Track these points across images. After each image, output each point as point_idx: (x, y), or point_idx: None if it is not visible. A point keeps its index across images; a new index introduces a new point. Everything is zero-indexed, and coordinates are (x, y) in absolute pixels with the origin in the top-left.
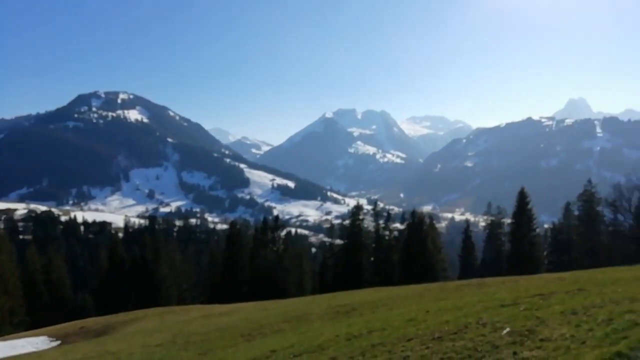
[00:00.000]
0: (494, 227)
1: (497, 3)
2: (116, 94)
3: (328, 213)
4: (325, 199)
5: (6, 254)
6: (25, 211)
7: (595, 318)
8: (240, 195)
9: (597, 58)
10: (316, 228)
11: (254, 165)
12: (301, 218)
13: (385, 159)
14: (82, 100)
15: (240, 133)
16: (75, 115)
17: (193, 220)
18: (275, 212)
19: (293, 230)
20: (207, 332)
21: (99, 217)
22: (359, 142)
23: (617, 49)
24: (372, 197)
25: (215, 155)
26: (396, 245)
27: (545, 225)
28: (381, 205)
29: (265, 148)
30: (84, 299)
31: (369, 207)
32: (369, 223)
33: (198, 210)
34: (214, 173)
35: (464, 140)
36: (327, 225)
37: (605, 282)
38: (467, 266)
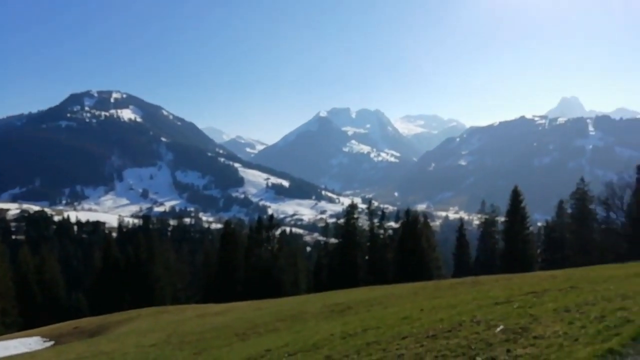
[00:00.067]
0: (487, 225)
1: (491, 3)
2: (109, 93)
3: (323, 212)
4: (319, 198)
5: None
6: (18, 211)
7: (587, 315)
8: (234, 194)
9: (590, 57)
10: (311, 227)
11: (248, 165)
12: (296, 217)
13: (380, 158)
14: (75, 99)
15: (235, 132)
16: (68, 115)
17: (187, 220)
18: (269, 211)
19: (288, 229)
20: (202, 331)
21: (93, 217)
22: (353, 141)
23: (610, 49)
24: (367, 196)
25: (210, 154)
26: (391, 243)
27: (539, 224)
28: (375, 204)
29: (260, 147)
30: (77, 299)
31: (364, 206)
32: (363, 222)
33: (192, 209)
34: (208, 172)
35: (458, 139)
36: (321, 224)
37: (598, 279)
38: (461, 264)
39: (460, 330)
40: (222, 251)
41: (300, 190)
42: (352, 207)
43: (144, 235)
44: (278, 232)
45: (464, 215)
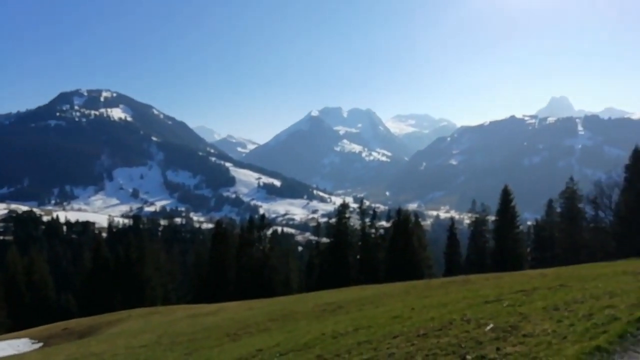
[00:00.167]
0: (478, 224)
1: (481, 2)
2: (99, 92)
3: (314, 211)
4: (311, 197)
5: None
6: (6, 211)
7: (576, 313)
8: (225, 194)
9: (579, 57)
10: (302, 227)
11: (239, 164)
12: (287, 217)
13: (371, 157)
14: (64, 98)
15: (226, 131)
16: (57, 114)
17: (178, 220)
18: (261, 211)
19: (279, 229)
20: (193, 332)
21: (82, 217)
22: (344, 141)
23: (598, 49)
24: (358, 196)
25: (201, 153)
26: (382, 243)
27: (529, 222)
28: (367, 203)
29: (251, 146)
30: (67, 300)
31: (355, 206)
32: (355, 221)
33: (183, 209)
34: (199, 172)
35: (449, 139)
36: (313, 224)
37: (587, 277)
38: (452, 263)
39: (450, 328)
40: (213, 251)
41: (292, 189)
42: (344, 206)
43: (134, 236)
44: (269, 231)
45: (454, 214)
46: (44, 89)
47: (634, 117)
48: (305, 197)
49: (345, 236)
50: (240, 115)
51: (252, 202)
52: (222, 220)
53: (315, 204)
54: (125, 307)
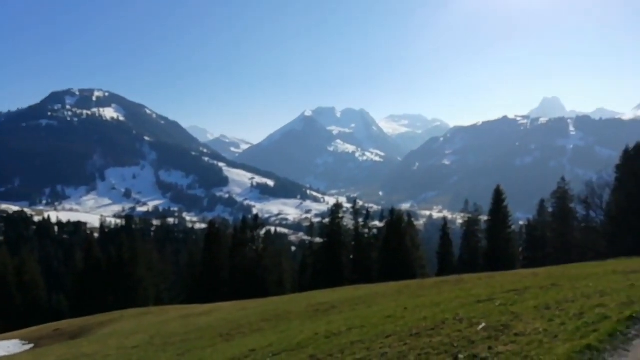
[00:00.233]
0: (470, 224)
1: (472, 3)
2: (91, 91)
3: (308, 211)
4: (304, 197)
5: None
6: None
7: (567, 312)
8: (219, 194)
9: (570, 58)
10: (296, 227)
11: (232, 164)
12: (281, 217)
13: (365, 157)
14: (56, 97)
15: (219, 131)
16: (49, 113)
17: (171, 220)
18: (254, 211)
19: (273, 229)
20: (186, 332)
21: (74, 217)
22: (338, 141)
23: (589, 50)
24: (352, 196)
25: (194, 153)
26: (375, 243)
27: (521, 222)
28: (360, 203)
29: (244, 146)
30: (58, 301)
31: (349, 206)
32: (348, 221)
33: (176, 209)
34: (192, 172)
35: (442, 139)
36: (306, 224)
37: (578, 277)
38: (445, 263)
39: (443, 328)
40: (206, 251)
41: (285, 189)
42: (337, 206)
43: (126, 236)
44: (263, 231)
45: (447, 214)
46: (35, 88)
47: (625, 117)
48: (298, 197)
49: (339, 236)
50: (233, 115)
51: (246, 202)
52: (215, 221)
53: (308, 204)
54: (118, 307)
